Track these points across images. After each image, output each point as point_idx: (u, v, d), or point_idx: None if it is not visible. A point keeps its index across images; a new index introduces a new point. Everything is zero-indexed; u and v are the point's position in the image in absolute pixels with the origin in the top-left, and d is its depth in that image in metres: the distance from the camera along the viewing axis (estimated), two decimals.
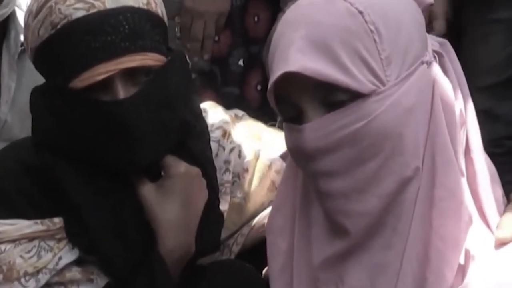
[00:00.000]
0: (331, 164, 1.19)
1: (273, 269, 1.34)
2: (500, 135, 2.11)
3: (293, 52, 1.17)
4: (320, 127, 1.18)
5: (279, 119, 1.63)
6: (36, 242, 1.38)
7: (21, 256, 1.37)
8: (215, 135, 1.52)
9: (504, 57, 2.12)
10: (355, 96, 1.17)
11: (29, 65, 1.92)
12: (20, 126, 1.96)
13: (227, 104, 1.70)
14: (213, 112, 1.56)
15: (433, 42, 1.27)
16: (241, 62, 2.15)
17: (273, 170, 1.55)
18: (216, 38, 2.12)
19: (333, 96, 1.18)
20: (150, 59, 1.35)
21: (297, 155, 1.24)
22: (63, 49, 1.34)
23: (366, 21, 1.17)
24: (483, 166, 1.24)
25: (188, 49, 2.09)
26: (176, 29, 2.11)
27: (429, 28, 2.04)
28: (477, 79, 2.06)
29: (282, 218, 1.34)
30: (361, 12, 1.18)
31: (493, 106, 2.10)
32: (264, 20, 2.15)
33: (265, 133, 1.60)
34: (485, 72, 2.11)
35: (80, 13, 1.33)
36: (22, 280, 1.36)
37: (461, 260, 1.17)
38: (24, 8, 1.98)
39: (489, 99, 2.09)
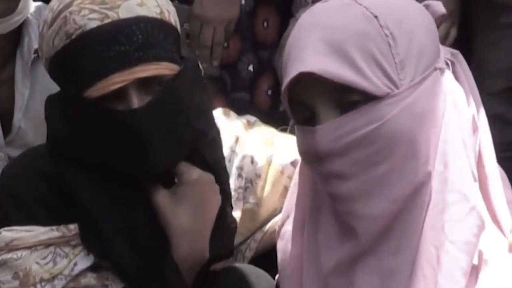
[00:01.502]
0: (343, 166, 1.19)
1: (283, 274, 1.35)
2: (511, 139, 2.11)
3: (309, 54, 1.18)
4: (333, 129, 1.19)
5: (291, 123, 1.63)
6: (51, 249, 1.39)
7: (37, 263, 1.38)
8: (227, 141, 1.52)
9: None
10: (369, 98, 1.18)
11: (42, 72, 1.94)
12: (34, 132, 1.98)
13: (237, 109, 1.71)
14: (226, 118, 1.57)
15: (446, 51, 1.28)
16: (251, 68, 2.15)
17: (285, 175, 1.55)
18: (225, 44, 2.13)
19: (347, 98, 1.19)
20: (164, 68, 1.37)
21: (309, 157, 1.24)
22: (77, 59, 1.36)
23: (381, 26, 1.19)
24: (495, 171, 1.25)
25: (197, 55, 2.09)
26: (184, 36, 2.11)
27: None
28: (488, 84, 2.06)
29: (292, 223, 1.35)
30: (376, 17, 1.19)
31: (504, 111, 2.10)
32: (273, 25, 2.15)
33: (278, 139, 1.60)
34: (495, 76, 2.11)
35: (94, 24, 1.34)
36: (38, 286, 1.38)
37: (475, 261, 1.18)
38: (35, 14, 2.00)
39: (500, 104, 2.09)
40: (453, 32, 2.09)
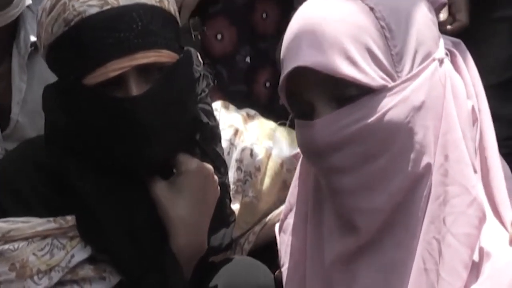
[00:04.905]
0: (342, 160, 1.19)
1: (286, 267, 1.34)
2: (504, 135, 2.10)
3: (305, 47, 1.18)
4: (330, 122, 1.18)
5: (290, 117, 1.63)
6: (49, 240, 1.38)
7: (34, 254, 1.37)
8: (227, 133, 1.52)
9: (507, 56, 2.11)
10: (366, 91, 1.18)
11: (39, 66, 1.94)
12: (32, 126, 1.97)
13: (235, 102, 1.69)
14: (225, 111, 1.57)
15: (447, 41, 1.27)
16: (248, 59, 2.13)
17: (284, 168, 1.55)
18: (220, 37, 2.10)
19: (344, 92, 1.18)
20: (163, 56, 1.36)
21: (308, 151, 1.24)
22: (76, 46, 1.35)
23: (377, 17, 1.18)
24: (497, 163, 1.24)
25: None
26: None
27: (452, 21, 2.03)
28: (481, 79, 2.05)
29: (294, 217, 1.35)
30: (372, 9, 1.19)
31: (496, 106, 2.09)
32: (272, 17, 2.13)
33: (277, 132, 1.60)
34: (488, 71, 2.09)
35: (93, 10, 1.34)
36: (35, 277, 1.37)
37: (476, 258, 1.17)
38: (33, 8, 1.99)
39: (492, 99, 2.07)
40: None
